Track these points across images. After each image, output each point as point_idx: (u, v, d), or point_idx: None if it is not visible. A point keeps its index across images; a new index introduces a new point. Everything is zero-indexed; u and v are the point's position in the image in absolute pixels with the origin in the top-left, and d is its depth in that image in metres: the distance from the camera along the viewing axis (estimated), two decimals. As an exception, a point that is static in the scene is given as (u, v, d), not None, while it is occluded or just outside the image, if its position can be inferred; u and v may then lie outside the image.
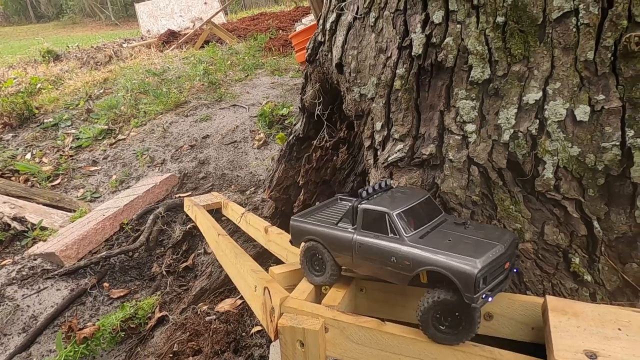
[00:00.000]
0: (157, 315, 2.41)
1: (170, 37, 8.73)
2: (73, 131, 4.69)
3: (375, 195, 1.15)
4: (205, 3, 11.49)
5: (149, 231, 2.95)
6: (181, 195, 3.38)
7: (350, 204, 1.14)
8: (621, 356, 0.87)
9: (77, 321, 2.38)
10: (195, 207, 2.73)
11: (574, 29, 1.12)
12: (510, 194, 1.22)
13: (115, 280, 2.74)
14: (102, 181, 3.89)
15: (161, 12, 11.43)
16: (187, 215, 3.02)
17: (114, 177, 3.87)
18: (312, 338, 1.01)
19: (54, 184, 3.89)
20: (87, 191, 3.74)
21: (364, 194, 1.13)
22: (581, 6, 1.10)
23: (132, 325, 2.34)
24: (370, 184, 1.18)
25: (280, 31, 7.68)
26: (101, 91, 5.61)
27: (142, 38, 10.32)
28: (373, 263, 1.04)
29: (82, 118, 4.96)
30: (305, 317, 1.05)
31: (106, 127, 4.60)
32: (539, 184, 1.18)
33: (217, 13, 9.19)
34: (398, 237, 1.00)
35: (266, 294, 1.16)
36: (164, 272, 2.75)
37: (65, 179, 3.97)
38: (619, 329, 0.91)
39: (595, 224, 1.16)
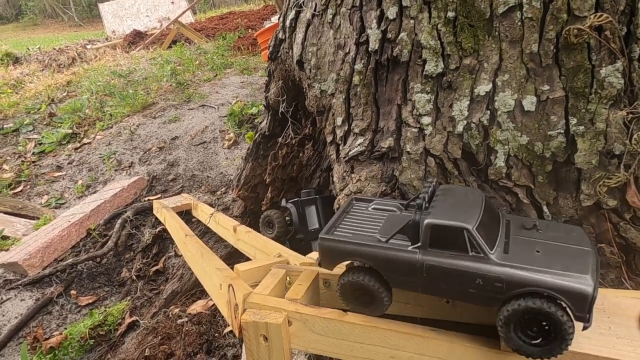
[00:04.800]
0: (128, 320, 2.37)
1: (136, 38, 8.52)
2: (35, 136, 4.53)
3: (432, 204, 0.96)
4: (173, 2, 11.27)
5: (117, 236, 2.89)
6: (150, 198, 3.33)
7: (390, 210, 1.03)
8: (587, 334, 0.91)
9: (43, 331, 2.32)
10: (164, 210, 2.69)
11: (519, 23, 1.16)
12: (465, 183, 1.26)
13: (83, 288, 2.67)
14: (67, 187, 3.78)
15: (126, 12, 11.14)
16: (156, 218, 2.97)
17: (80, 182, 3.77)
18: (275, 332, 1.02)
19: (16, 191, 3.75)
20: (51, 197, 3.63)
21: (423, 203, 0.95)
22: (525, 1, 1.14)
23: (101, 333, 2.29)
24: (422, 190, 1.01)
25: (250, 30, 7.62)
26: (64, 94, 5.44)
27: (107, 39, 10.04)
28: (448, 287, 0.89)
29: (45, 122, 4.79)
30: (269, 311, 1.06)
31: (70, 131, 4.46)
32: (491, 172, 1.23)
33: (184, 12, 9.03)
34: (482, 255, 0.85)
35: (230, 291, 1.17)
36: (134, 277, 2.70)
37: (28, 186, 3.83)
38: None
39: (545, 208, 1.21)
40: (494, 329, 0.98)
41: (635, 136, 1.05)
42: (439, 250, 0.88)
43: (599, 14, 1.08)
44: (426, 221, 0.88)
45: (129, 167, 3.85)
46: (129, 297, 2.59)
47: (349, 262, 1.01)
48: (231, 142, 3.76)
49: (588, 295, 0.77)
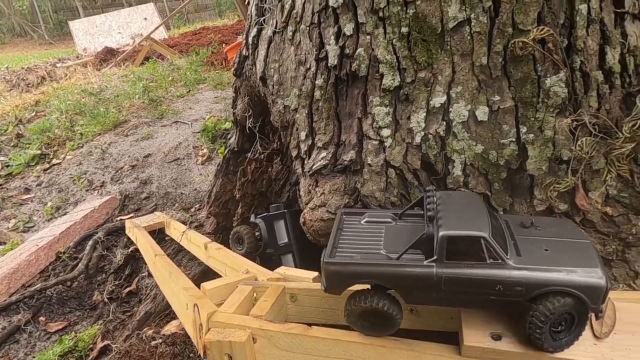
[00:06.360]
0: (100, 345, 2.30)
1: (108, 55, 8.43)
2: (2, 158, 4.40)
3: (437, 214, 0.94)
4: (145, 19, 11.22)
5: (87, 258, 2.82)
6: (122, 217, 3.27)
7: (384, 222, 1.01)
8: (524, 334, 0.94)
9: (10, 361, 2.23)
10: (135, 229, 2.64)
11: (469, 37, 1.21)
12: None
13: (52, 313, 2.59)
14: (36, 209, 3.68)
15: (98, 29, 11.02)
16: (129, 238, 2.92)
17: (49, 204, 3.67)
18: (239, 350, 1.02)
19: (-19, 216, 3.63)
20: (19, 221, 3.52)
21: (434, 215, 0.93)
22: (472, 16, 1.19)
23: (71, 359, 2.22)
24: (428, 200, 1.00)
25: (223, 45, 7.63)
26: (33, 114, 5.32)
27: (77, 57, 9.89)
28: (467, 297, 0.88)
29: (12, 144, 4.67)
30: (233, 329, 1.06)
31: (39, 151, 4.36)
32: (450, 181, 1.26)
33: (156, 29, 8.99)
34: (500, 261, 0.85)
35: (195, 310, 1.16)
36: (106, 300, 2.63)
37: (-5, 210, 3.71)
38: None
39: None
40: (456, 336, 1.00)
41: (579, 142, 1.10)
42: (456, 261, 0.87)
43: (541, 27, 1.13)
44: (441, 233, 0.86)
45: (101, 186, 3.78)
46: (101, 321, 2.52)
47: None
48: (205, 157, 3.74)
49: (603, 288, 0.81)
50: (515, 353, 0.91)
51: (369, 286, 0.96)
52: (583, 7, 1.13)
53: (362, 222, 1.10)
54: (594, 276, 0.82)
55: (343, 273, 0.93)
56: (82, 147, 4.37)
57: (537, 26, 1.14)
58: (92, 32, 11.04)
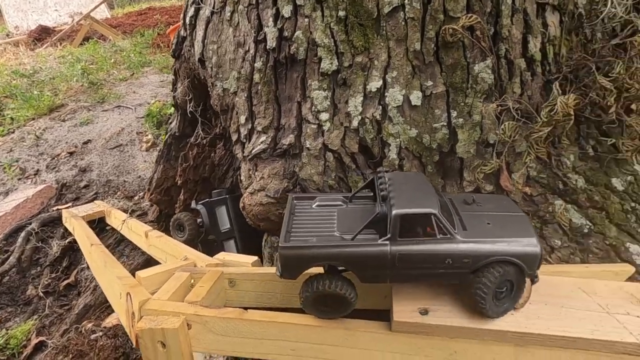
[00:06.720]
0: (34, 341, 2.18)
1: (42, 34, 7.81)
2: None
3: (387, 193, 0.97)
4: (86, -4, 10.49)
5: (20, 250, 2.65)
6: (59, 207, 3.08)
7: (335, 205, 1.03)
8: (449, 308, 0.99)
9: None
10: (72, 219, 2.51)
11: (403, 23, 1.23)
12: (363, 176, 1.31)
13: (-20, 311, 2.41)
14: (-40, 200, 3.38)
15: (31, 5, 10.17)
16: (66, 229, 2.77)
17: (-24, 194, 3.39)
18: (172, 337, 1.00)
19: None
20: (-59, 213, 3.23)
21: (387, 194, 0.95)
22: (406, 1, 1.21)
23: (2, 358, 2.09)
24: (380, 182, 1.02)
25: (171, 26, 7.31)
26: (-45, 97, 4.86)
27: (8, 35, 9.11)
28: (419, 271, 0.92)
29: None
30: (167, 316, 1.04)
31: (-37, 138, 4.00)
32: (386, 164, 1.30)
33: (97, 6, 8.44)
34: (449, 236, 0.89)
35: (128, 299, 1.12)
36: (42, 294, 2.49)
37: None
38: (447, 286, 1.04)
39: (435, 196, 1.30)
40: (387, 313, 1.04)
41: (502, 126, 1.16)
42: (409, 239, 0.90)
43: (469, 15, 1.17)
44: (394, 212, 0.89)
45: (35, 175, 3.54)
46: (36, 316, 2.38)
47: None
48: (149, 144, 3.60)
49: (538, 255, 0.89)
50: (440, 326, 0.96)
51: (321, 270, 0.97)
52: (508, -3, 1.18)
53: (314, 206, 1.10)
54: (530, 245, 0.89)
55: (300, 257, 0.92)
56: (12, 132, 4.06)
57: (466, 14, 1.18)
58: (24, 9, 10.18)
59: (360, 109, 1.29)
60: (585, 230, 1.18)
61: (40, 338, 2.19)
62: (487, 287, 0.90)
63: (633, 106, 1.17)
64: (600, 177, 1.23)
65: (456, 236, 0.90)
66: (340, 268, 0.98)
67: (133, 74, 5.17)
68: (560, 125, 1.15)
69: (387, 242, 0.90)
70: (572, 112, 1.08)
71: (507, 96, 1.21)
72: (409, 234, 0.90)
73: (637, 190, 1.20)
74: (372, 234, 0.95)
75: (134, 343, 1.07)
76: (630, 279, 1.10)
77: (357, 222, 0.98)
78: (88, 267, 2.62)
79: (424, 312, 0.98)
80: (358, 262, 0.92)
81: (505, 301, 0.94)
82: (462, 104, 1.23)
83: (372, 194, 1.10)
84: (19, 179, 3.52)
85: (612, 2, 1.12)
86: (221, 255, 1.40)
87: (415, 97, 1.26)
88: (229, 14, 1.46)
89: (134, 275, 1.32)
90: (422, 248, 0.90)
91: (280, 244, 0.93)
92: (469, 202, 1.03)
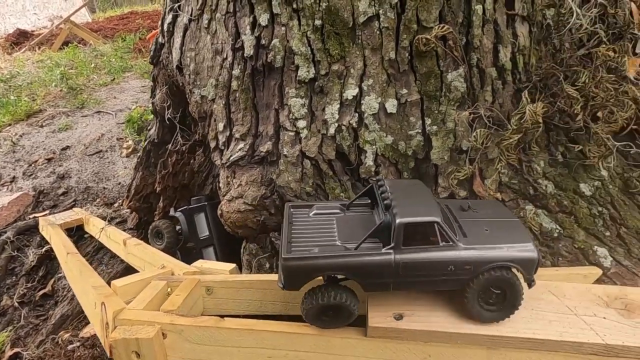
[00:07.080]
0: (9, 353, 2.13)
1: (20, 38, 7.66)
2: None
3: (390, 201, 0.96)
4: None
5: (-6, 260, 2.58)
6: (36, 215, 3.02)
7: (333, 213, 1.03)
8: (425, 313, 1.01)
9: None
10: (49, 227, 2.46)
11: (378, 32, 1.25)
12: (340, 183, 1.33)
13: (-48, 323, 2.34)
14: None
15: (9, 8, 9.95)
16: (43, 237, 2.71)
17: (-51, 202, 3.30)
18: (147, 347, 0.99)
19: None
20: None
21: (391, 203, 0.94)
22: (381, 11, 1.24)
23: (-26, 371, 2.03)
24: (381, 190, 1.01)
25: (153, 31, 7.25)
26: None
27: (-16, 39, 8.89)
28: (421, 279, 0.92)
29: None
30: (142, 326, 1.03)
31: (-64, 144, 3.89)
32: (362, 171, 1.31)
33: (77, 10, 8.32)
34: (452, 243, 0.90)
35: (102, 309, 1.11)
36: (17, 304, 2.43)
37: None
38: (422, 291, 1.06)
39: (411, 202, 1.32)
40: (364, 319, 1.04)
41: (475, 133, 1.19)
42: (413, 247, 0.90)
43: (442, 25, 1.20)
44: (398, 221, 0.89)
45: (11, 182, 3.46)
46: (10, 327, 2.32)
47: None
48: (130, 150, 3.55)
49: (536, 260, 0.91)
50: (415, 331, 0.97)
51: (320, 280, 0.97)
52: (479, 8, 1.22)
53: (311, 214, 1.09)
54: (528, 250, 0.91)
55: (304, 268, 0.91)
56: (-12, 139, 3.97)
57: (439, 24, 1.21)
58: (2, 12, 9.96)
59: (337, 116, 1.31)
60: (555, 235, 1.22)
61: (16, 349, 2.14)
62: (486, 290, 0.92)
63: (599, 114, 1.22)
64: (569, 182, 1.26)
65: (458, 243, 0.90)
66: (339, 277, 0.98)
67: (114, 79, 5.11)
68: (530, 132, 1.19)
69: (391, 250, 0.90)
70: (540, 120, 1.12)
71: (479, 104, 1.24)
72: (412, 242, 0.91)
73: (604, 195, 1.24)
74: (374, 243, 0.94)
75: (108, 353, 1.05)
76: (598, 281, 1.14)
77: (357, 230, 0.99)
78: (65, 276, 2.57)
79: (399, 317, 1.00)
80: (363, 271, 0.92)
81: (500, 306, 0.94)
82: (436, 111, 1.26)
83: (369, 201, 1.09)
84: (-6, 187, 3.44)
85: (577, 14, 1.16)
86: (199, 263, 1.40)
87: (391, 105, 1.28)
88: (206, 21, 1.46)
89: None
90: (426, 256, 0.90)
91: (282, 255, 0.92)
92: (465, 209, 1.03)
